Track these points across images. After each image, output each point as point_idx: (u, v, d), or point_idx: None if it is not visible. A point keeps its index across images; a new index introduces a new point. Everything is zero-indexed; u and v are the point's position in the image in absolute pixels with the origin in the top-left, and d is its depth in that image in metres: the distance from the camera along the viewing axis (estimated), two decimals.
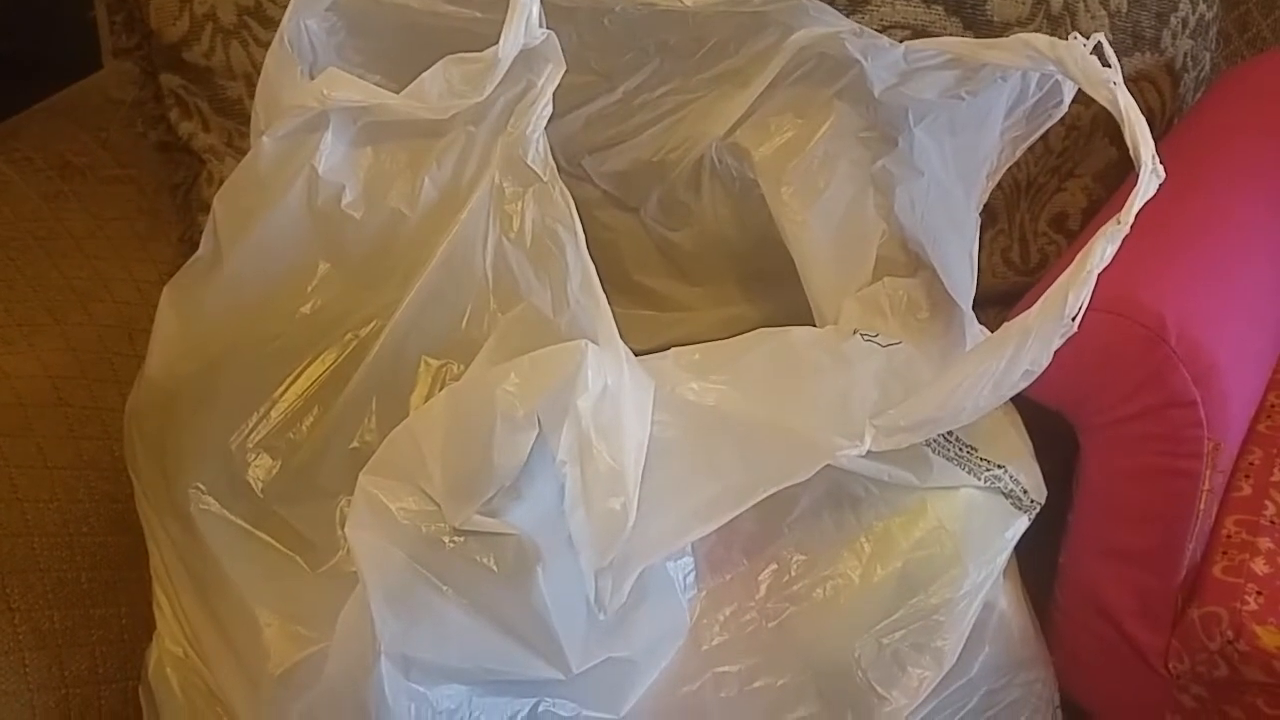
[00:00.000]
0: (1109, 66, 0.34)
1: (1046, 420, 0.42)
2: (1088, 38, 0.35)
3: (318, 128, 0.35)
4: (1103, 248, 0.32)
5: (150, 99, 0.51)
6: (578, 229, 0.35)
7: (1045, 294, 0.33)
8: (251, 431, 0.35)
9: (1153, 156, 0.32)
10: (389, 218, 0.36)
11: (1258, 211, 0.46)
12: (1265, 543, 0.42)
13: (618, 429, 0.32)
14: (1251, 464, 0.45)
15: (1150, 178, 0.32)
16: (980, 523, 0.39)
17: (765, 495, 0.33)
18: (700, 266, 0.49)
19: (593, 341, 0.33)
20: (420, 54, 0.35)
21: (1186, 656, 0.41)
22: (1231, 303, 0.42)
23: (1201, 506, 0.40)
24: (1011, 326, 0.33)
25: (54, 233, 0.51)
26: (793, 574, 0.38)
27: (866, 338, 0.39)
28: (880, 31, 0.43)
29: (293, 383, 0.36)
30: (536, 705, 0.33)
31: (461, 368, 0.35)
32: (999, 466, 0.40)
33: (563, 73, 0.35)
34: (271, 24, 0.48)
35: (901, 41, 0.41)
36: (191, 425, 0.36)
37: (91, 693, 0.40)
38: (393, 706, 0.30)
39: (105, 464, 0.43)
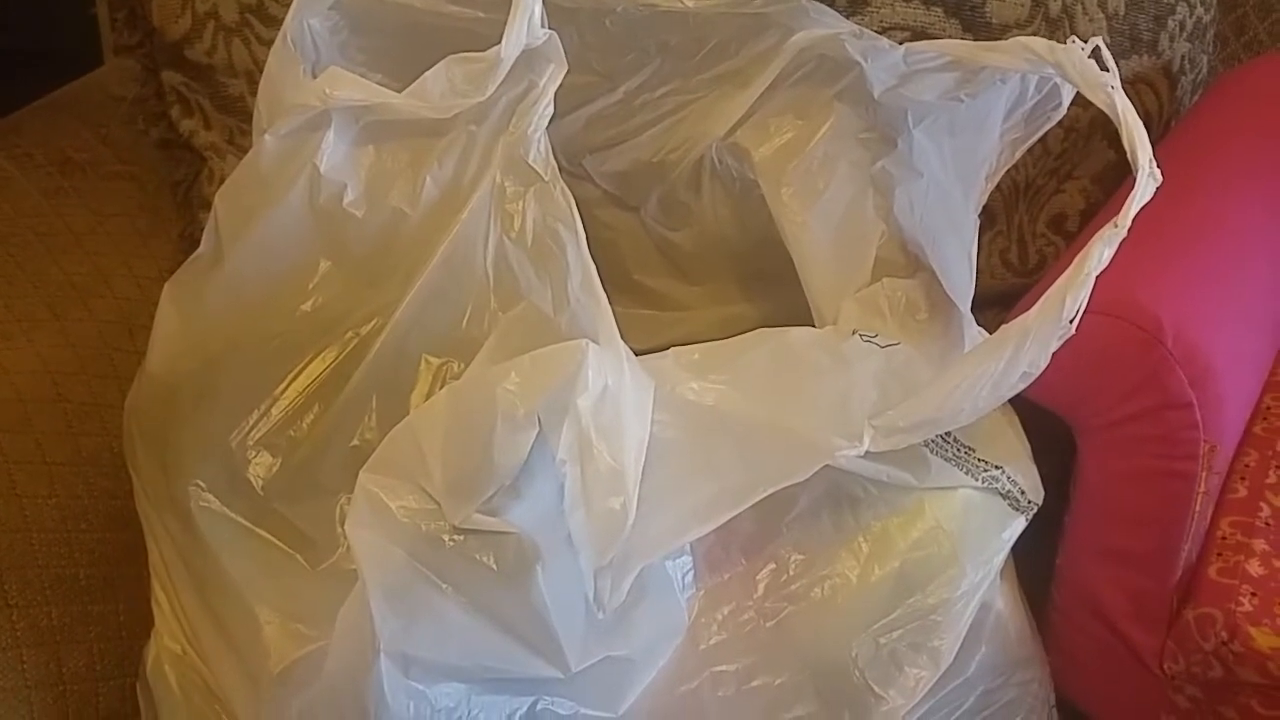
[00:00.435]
0: (1107, 70, 0.34)
1: (1044, 422, 0.42)
2: (1086, 41, 0.35)
3: (320, 126, 0.35)
4: (1100, 251, 0.32)
5: (152, 96, 0.51)
6: (579, 228, 0.35)
7: (1043, 296, 0.33)
8: (252, 429, 0.35)
9: (1150, 160, 0.33)
10: (390, 216, 0.36)
11: (1254, 214, 0.47)
12: (1260, 544, 0.42)
13: (618, 428, 0.32)
14: (1247, 466, 0.46)
15: (1147, 181, 0.32)
16: (978, 523, 0.39)
17: (764, 495, 0.33)
18: (700, 266, 0.50)
19: (593, 341, 0.33)
20: (423, 53, 0.35)
21: (1181, 657, 0.41)
22: (1228, 305, 0.42)
23: (1197, 508, 0.40)
24: (1010, 328, 0.33)
25: (54, 229, 0.51)
26: (791, 573, 0.38)
27: (865, 338, 0.39)
28: (880, 33, 0.43)
29: (293, 380, 0.36)
30: (535, 703, 0.33)
31: (462, 366, 0.35)
32: (997, 467, 0.40)
33: (564, 73, 0.36)
34: (273, 22, 0.48)
35: (901, 43, 0.41)
36: (192, 422, 0.36)
37: (89, 690, 0.40)
38: (392, 704, 0.31)
39: (104, 460, 0.43)
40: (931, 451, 0.39)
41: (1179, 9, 0.56)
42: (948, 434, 0.39)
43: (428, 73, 0.34)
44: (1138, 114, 0.33)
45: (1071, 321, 0.33)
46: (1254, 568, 0.41)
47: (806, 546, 0.38)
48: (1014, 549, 0.40)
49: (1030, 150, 0.44)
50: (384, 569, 0.31)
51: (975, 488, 0.40)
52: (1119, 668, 0.44)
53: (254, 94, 0.39)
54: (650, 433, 0.33)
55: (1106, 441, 0.40)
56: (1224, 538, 0.43)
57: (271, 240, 0.36)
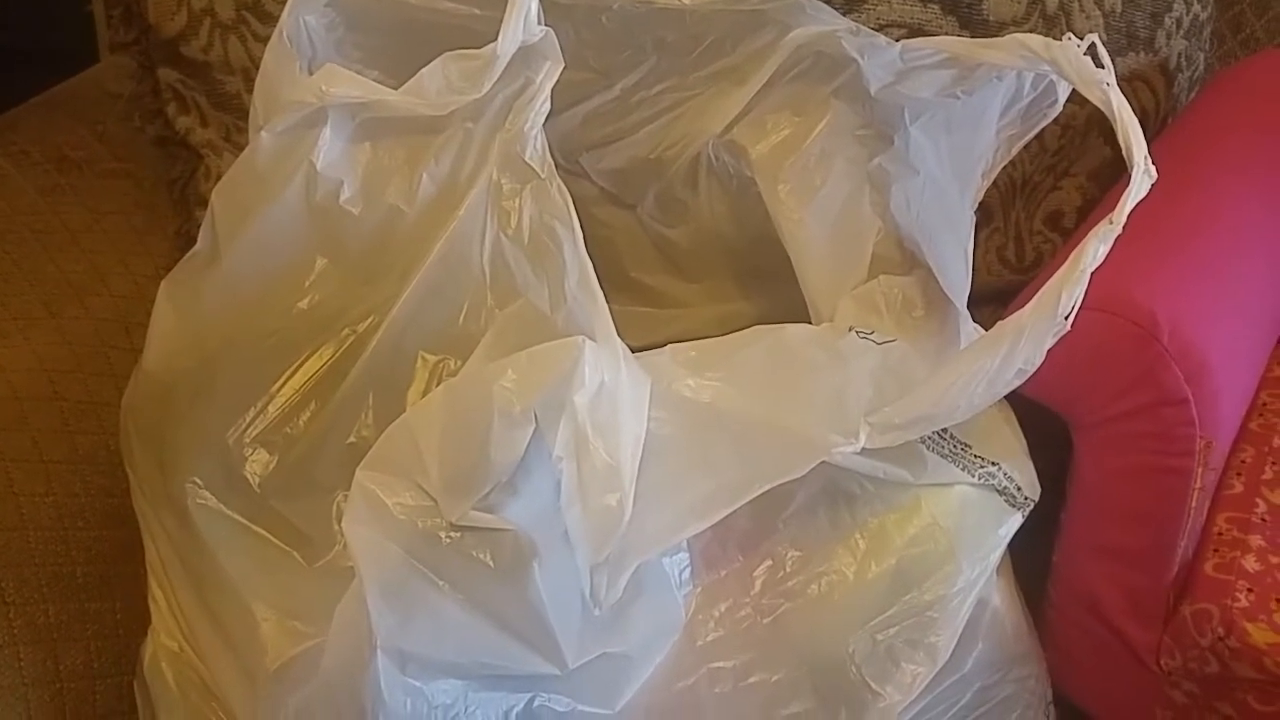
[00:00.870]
0: (1102, 67, 0.34)
1: (1041, 418, 0.42)
2: (1082, 38, 0.35)
3: (316, 123, 0.35)
4: (1095, 247, 0.32)
5: (148, 93, 0.51)
6: (575, 226, 0.35)
7: (1039, 293, 0.33)
8: (248, 426, 0.35)
9: (1145, 157, 0.33)
10: (387, 213, 0.36)
11: (1251, 210, 0.47)
12: (1256, 540, 0.42)
13: (614, 425, 0.32)
14: (1243, 462, 0.46)
15: (1142, 178, 0.32)
16: (974, 520, 0.39)
17: (760, 491, 0.33)
18: (697, 263, 0.50)
19: (590, 338, 0.33)
20: (419, 50, 0.35)
21: (1178, 653, 0.42)
22: (1224, 301, 0.42)
23: (1193, 504, 0.41)
24: (1005, 325, 0.34)
25: (50, 226, 0.51)
26: (788, 570, 0.38)
27: (862, 335, 0.39)
28: (877, 30, 0.43)
29: (290, 378, 0.36)
30: (532, 700, 0.33)
31: (458, 363, 0.35)
32: (993, 464, 0.40)
33: (561, 70, 0.35)
34: (269, 19, 0.48)
35: (898, 40, 0.41)
36: (188, 419, 0.36)
37: (86, 687, 0.40)
38: (389, 701, 0.31)
39: (101, 458, 0.43)
40: (928, 448, 0.39)
41: (1175, 6, 0.56)
42: (944, 431, 0.39)
43: (424, 70, 0.34)
44: (1134, 111, 0.34)
45: (1067, 318, 0.33)
46: (1250, 563, 0.41)
47: (803, 543, 0.38)
48: (1010, 545, 0.40)
49: (1027, 147, 0.44)
50: (381, 566, 0.31)
51: (972, 484, 0.40)
52: (1115, 664, 0.44)
53: (250, 91, 0.39)
54: (647, 429, 0.33)
55: (1102, 438, 0.40)
56: (1220, 534, 0.43)
57: (268, 237, 0.36)
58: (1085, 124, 0.54)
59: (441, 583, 0.31)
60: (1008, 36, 0.38)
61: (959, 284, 0.41)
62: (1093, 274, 0.32)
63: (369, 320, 0.36)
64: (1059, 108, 0.42)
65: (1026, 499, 0.40)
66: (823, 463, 0.34)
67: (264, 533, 0.35)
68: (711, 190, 0.47)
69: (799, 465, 0.34)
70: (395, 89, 0.35)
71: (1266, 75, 0.58)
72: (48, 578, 0.40)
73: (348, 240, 0.36)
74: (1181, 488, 0.39)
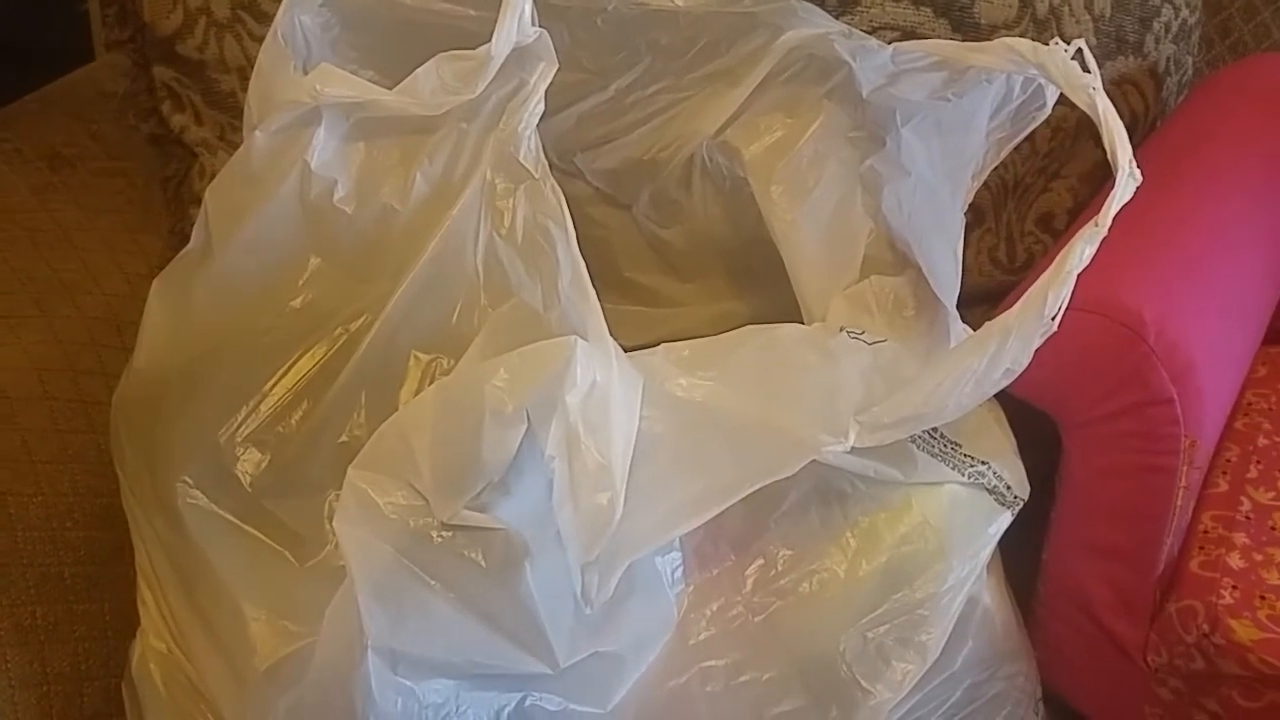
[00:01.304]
0: (1089, 71, 0.35)
1: (1030, 417, 0.42)
2: (1070, 42, 0.36)
3: (310, 123, 0.35)
4: (1081, 249, 0.32)
5: (142, 91, 0.51)
6: (569, 226, 0.35)
7: (1026, 294, 0.33)
8: (240, 425, 0.35)
9: (1130, 160, 0.33)
10: (380, 213, 0.36)
11: (1237, 212, 0.47)
12: (1241, 538, 0.43)
13: (606, 424, 0.32)
14: (1228, 461, 0.46)
15: (1127, 181, 0.33)
16: (964, 518, 0.40)
17: (751, 490, 0.34)
18: (691, 263, 0.50)
19: (582, 337, 0.33)
20: (414, 51, 0.35)
21: (1164, 650, 0.42)
22: (1209, 302, 0.42)
23: (1179, 503, 0.41)
24: (993, 325, 0.34)
25: (42, 224, 0.50)
26: (779, 569, 0.38)
27: (853, 335, 0.40)
28: (869, 33, 0.44)
29: (282, 377, 0.36)
30: (523, 699, 0.33)
31: (451, 363, 0.35)
32: (983, 463, 0.40)
33: (555, 71, 0.36)
34: (265, 18, 0.48)
35: (890, 43, 0.42)
36: (180, 418, 0.36)
37: (73, 689, 0.40)
38: (380, 701, 0.31)
39: (91, 458, 0.43)
40: (918, 447, 0.39)
41: (1164, 11, 0.57)
42: (934, 430, 0.40)
43: (418, 70, 0.34)
44: (1122, 115, 0.34)
45: (1054, 319, 0.33)
46: (1235, 561, 0.42)
47: (794, 542, 0.38)
48: (1000, 544, 0.41)
49: (1018, 149, 0.45)
50: (372, 565, 0.31)
51: (962, 483, 0.40)
52: (1103, 661, 0.44)
53: (245, 90, 0.39)
54: (638, 428, 0.34)
55: (1090, 437, 0.41)
56: (1205, 531, 0.43)
57: (262, 236, 0.36)
58: (1076, 127, 0.55)
59: (433, 582, 0.31)
60: (997, 40, 0.38)
61: (949, 285, 0.42)
62: (1080, 275, 0.33)
63: (362, 319, 0.36)
64: (1047, 111, 0.42)
65: (1016, 498, 0.41)
66: (814, 462, 0.35)
67: (255, 532, 0.35)
68: (705, 191, 0.47)
69: (790, 464, 0.34)
70: (390, 89, 0.35)
71: (1254, 79, 0.59)
72: (36, 579, 0.40)
73: (341, 239, 0.36)
74: (1167, 486, 0.40)
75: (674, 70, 0.45)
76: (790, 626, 0.37)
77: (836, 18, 0.45)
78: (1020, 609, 0.43)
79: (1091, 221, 0.32)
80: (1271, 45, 0.66)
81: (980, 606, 0.41)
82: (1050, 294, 0.32)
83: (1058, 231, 0.56)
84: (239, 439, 0.35)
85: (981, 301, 0.50)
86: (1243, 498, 0.44)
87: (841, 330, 0.40)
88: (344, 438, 0.35)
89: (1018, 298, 0.34)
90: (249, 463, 0.35)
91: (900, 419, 0.35)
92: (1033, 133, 0.44)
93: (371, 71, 0.39)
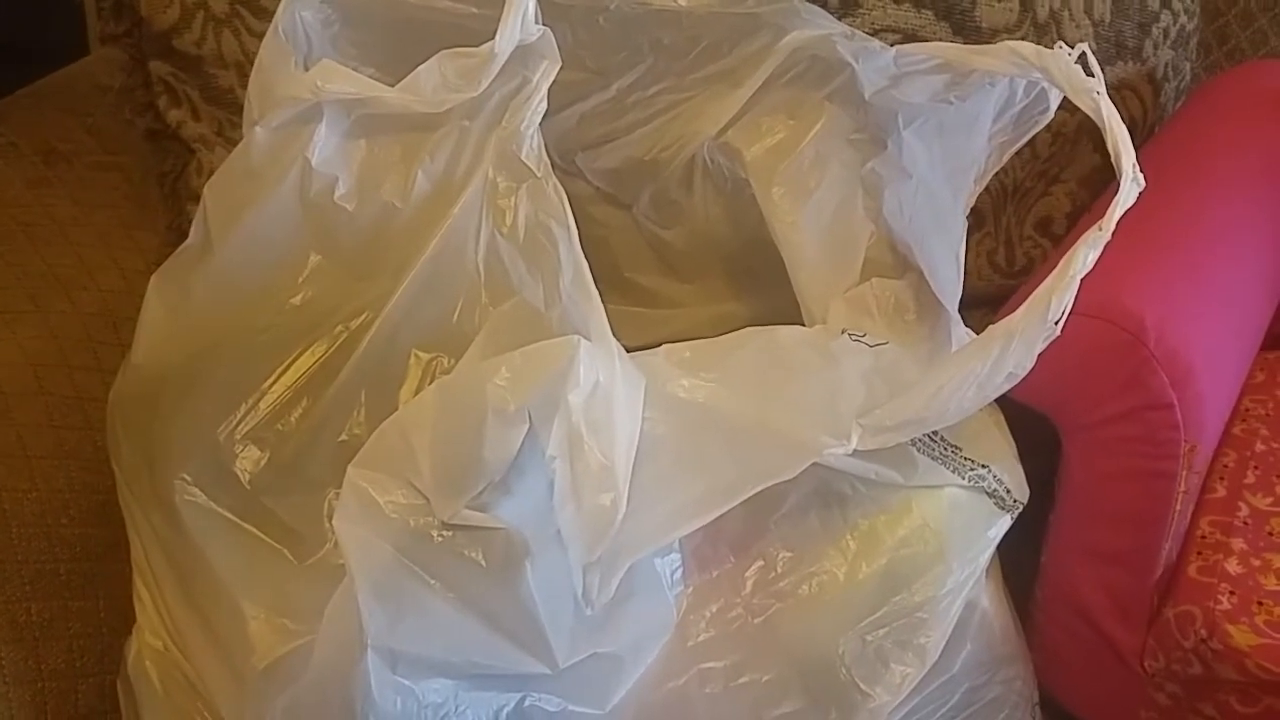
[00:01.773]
0: (1092, 76, 0.35)
1: (1031, 421, 0.42)
2: (1073, 47, 0.36)
3: (311, 119, 0.35)
4: (1085, 254, 0.32)
5: (139, 86, 0.50)
6: (571, 225, 0.35)
7: (1030, 298, 0.33)
8: (240, 422, 0.35)
9: (1133, 165, 0.33)
10: (381, 210, 0.36)
11: (1237, 218, 0.48)
12: (1239, 543, 0.43)
13: (608, 425, 0.32)
14: (1226, 466, 0.47)
15: (1131, 186, 0.33)
16: (964, 522, 0.40)
17: (753, 492, 0.34)
18: (692, 264, 0.50)
19: (584, 337, 0.33)
20: (415, 48, 0.35)
21: (1162, 654, 0.42)
22: (1209, 308, 0.43)
23: (1178, 508, 0.41)
24: (996, 329, 0.34)
25: (38, 219, 0.50)
26: (779, 571, 0.38)
27: (854, 337, 0.40)
28: (872, 34, 0.44)
29: (282, 374, 0.35)
30: (523, 700, 0.33)
31: (452, 361, 0.35)
32: (983, 466, 0.40)
33: (558, 69, 0.36)
34: (264, 14, 0.47)
35: (892, 45, 0.42)
36: (178, 415, 0.36)
37: (68, 686, 0.40)
38: (379, 700, 0.30)
39: (87, 454, 0.43)
40: (919, 450, 0.39)
41: (1163, 17, 0.57)
42: (935, 433, 0.40)
43: (420, 67, 0.34)
44: (1122, 119, 0.34)
45: (1057, 323, 0.33)
46: (1232, 566, 0.42)
47: (794, 544, 0.38)
48: (999, 547, 0.41)
49: (1018, 153, 0.45)
50: (372, 564, 0.31)
51: (962, 486, 0.40)
52: (1101, 665, 0.44)
53: (244, 86, 0.38)
54: (641, 429, 0.33)
55: (1091, 441, 0.41)
56: (1204, 537, 0.44)
57: (261, 233, 0.36)
58: (1076, 131, 0.55)
59: (433, 581, 0.31)
60: (1000, 44, 0.38)
61: (950, 288, 0.42)
62: (1082, 280, 0.33)
63: (362, 317, 0.36)
64: (1050, 115, 0.42)
65: (1016, 501, 0.41)
66: (814, 464, 0.35)
67: (254, 530, 0.35)
68: (706, 192, 0.47)
69: (791, 466, 0.34)
70: (391, 86, 0.35)
71: (1252, 85, 0.59)
72: (31, 575, 0.40)
73: (342, 236, 0.36)
74: (1167, 491, 0.40)
75: (676, 70, 0.45)
76: (789, 629, 0.37)
77: (839, 20, 0.44)
78: (1018, 613, 0.43)
79: (1095, 226, 0.32)
80: (1269, 52, 0.66)
81: (979, 610, 0.41)
82: (1054, 298, 0.32)
83: (1057, 236, 0.57)
84: (238, 436, 0.35)
85: (980, 305, 0.50)
86: (1240, 503, 0.45)
87: (843, 332, 0.40)
88: (344, 436, 0.35)
89: (1019, 302, 0.34)
90: (248, 460, 0.35)
91: (902, 422, 0.35)
92: (1034, 137, 0.44)
93: (372, 69, 0.39)
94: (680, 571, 0.37)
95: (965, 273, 0.43)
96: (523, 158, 0.36)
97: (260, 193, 0.35)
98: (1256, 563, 0.42)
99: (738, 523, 0.38)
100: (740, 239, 0.48)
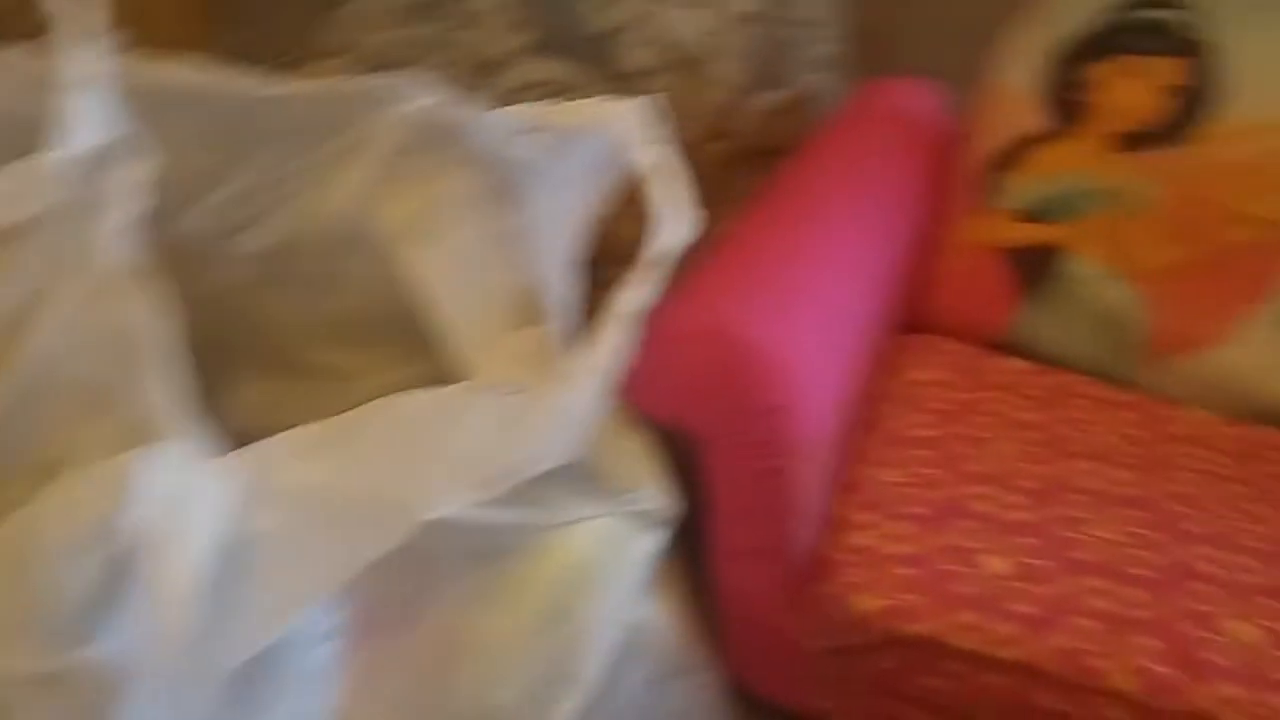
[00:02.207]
0: (652, 128, 0.38)
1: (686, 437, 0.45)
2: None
3: None
4: (632, 298, 0.35)
5: None
6: (164, 327, 0.34)
7: (585, 350, 0.36)
8: None
9: (677, 209, 0.37)
10: None
11: (841, 230, 0.53)
12: (867, 516, 0.48)
13: (185, 535, 0.32)
14: (861, 446, 0.52)
15: (675, 228, 0.36)
16: (614, 550, 0.41)
17: (361, 568, 0.34)
18: (365, 333, 0.50)
19: (176, 443, 0.32)
20: None
21: (817, 633, 0.46)
22: (814, 316, 0.47)
23: (805, 497, 0.45)
24: (576, 371, 0.36)
25: None
26: (442, 632, 0.39)
27: (496, 390, 0.41)
28: (519, 90, 0.46)
29: None
30: None
31: (32, 488, 0.34)
32: (629, 491, 0.43)
33: (155, 166, 0.35)
34: None
35: (542, 100, 0.44)
36: None
37: None
38: None
39: None
40: (561, 488, 0.41)
41: (808, 45, 0.63)
42: (575, 466, 0.41)
43: None
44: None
45: (619, 361, 0.36)
46: (861, 539, 0.46)
47: (454, 602, 0.39)
48: (679, 559, 0.43)
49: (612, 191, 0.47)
50: None
51: (609, 515, 0.42)
52: (779, 651, 0.48)
53: None
54: (238, 528, 0.33)
55: (719, 450, 0.45)
56: (839, 517, 0.48)
57: None
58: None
59: None
60: (584, 102, 0.41)
61: (571, 332, 0.44)
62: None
63: None
64: (635, 164, 0.45)
65: (666, 520, 0.43)
66: (458, 520, 0.35)
67: None
68: (361, 261, 0.48)
69: (398, 533, 0.35)
70: None
71: (876, 104, 0.65)
72: None
73: None
74: (788, 485, 0.44)
75: (303, 148, 0.45)
76: (453, 688, 0.38)
77: (486, 78, 0.46)
78: (708, 616, 0.46)
79: (637, 271, 0.35)
80: (913, 69, 0.70)
81: (646, 630, 0.43)
82: (605, 345, 0.35)
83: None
84: None
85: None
86: (871, 480, 0.50)
87: (483, 385, 0.41)
88: None
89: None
90: None
91: (512, 469, 0.37)
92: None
93: None
94: (337, 657, 0.37)
95: (588, 313, 0.45)
96: (110, 261, 0.35)
97: None
98: (882, 532, 0.47)
99: (396, 590, 0.38)
100: (403, 303, 0.49)
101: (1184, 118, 0.55)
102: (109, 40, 0.34)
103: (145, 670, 0.31)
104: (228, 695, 0.32)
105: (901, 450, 0.51)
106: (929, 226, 0.60)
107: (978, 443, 0.51)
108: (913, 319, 0.61)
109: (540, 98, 0.45)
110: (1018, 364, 0.57)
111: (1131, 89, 0.55)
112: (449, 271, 0.45)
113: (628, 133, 0.38)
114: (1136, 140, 0.56)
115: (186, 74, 0.42)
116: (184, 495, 0.32)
